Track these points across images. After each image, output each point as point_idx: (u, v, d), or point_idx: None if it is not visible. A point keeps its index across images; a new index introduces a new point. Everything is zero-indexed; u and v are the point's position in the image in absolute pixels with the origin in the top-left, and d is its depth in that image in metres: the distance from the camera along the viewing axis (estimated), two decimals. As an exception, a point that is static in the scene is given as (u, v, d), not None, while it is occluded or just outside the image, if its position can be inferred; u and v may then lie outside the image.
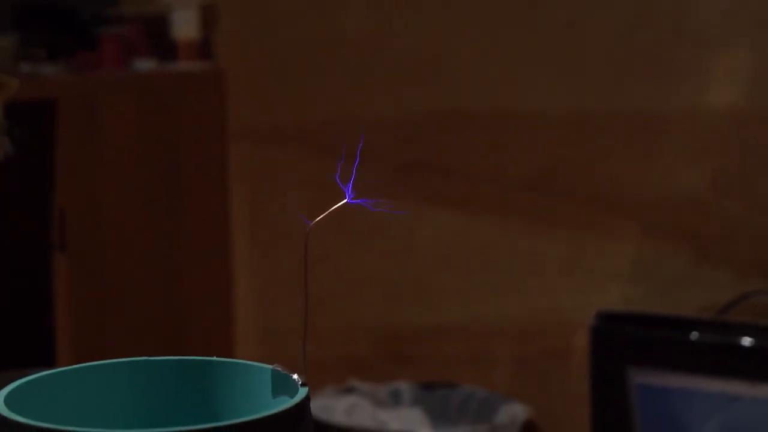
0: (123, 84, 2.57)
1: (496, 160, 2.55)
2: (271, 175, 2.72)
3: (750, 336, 2.10)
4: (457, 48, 2.55)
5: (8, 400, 0.78)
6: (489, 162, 2.55)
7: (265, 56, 2.72)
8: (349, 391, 2.57)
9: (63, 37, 2.59)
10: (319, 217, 0.84)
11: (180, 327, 2.64)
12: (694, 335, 2.15)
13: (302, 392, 0.79)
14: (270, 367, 0.85)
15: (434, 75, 2.57)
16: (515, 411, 2.44)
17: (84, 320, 2.46)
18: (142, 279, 2.56)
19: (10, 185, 2.66)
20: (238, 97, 2.70)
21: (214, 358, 0.88)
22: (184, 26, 2.66)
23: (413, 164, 2.59)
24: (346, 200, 0.84)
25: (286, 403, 0.77)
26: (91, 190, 2.46)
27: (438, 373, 2.62)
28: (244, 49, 2.73)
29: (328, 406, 2.47)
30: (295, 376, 0.82)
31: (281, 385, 0.83)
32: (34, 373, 0.85)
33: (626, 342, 2.21)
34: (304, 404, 0.78)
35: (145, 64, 2.61)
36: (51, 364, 2.35)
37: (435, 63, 2.57)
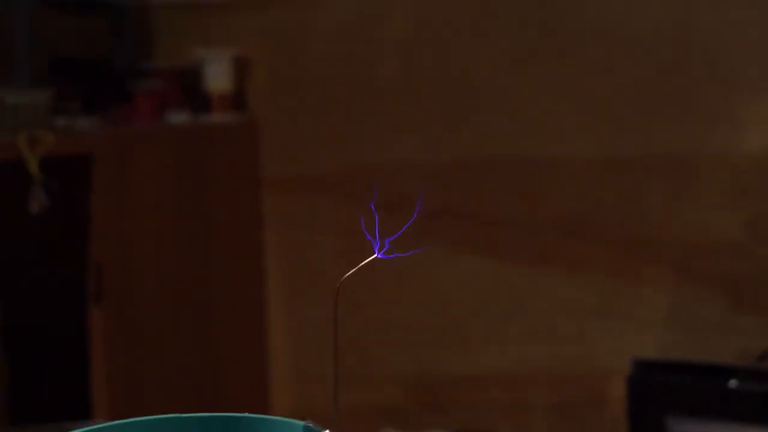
0: (157, 137, 2.59)
1: (528, 205, 2.54)
2: (304, 223, 2.73)
3: (788, 383, 2.08)
4: (487, 92, 2.56)
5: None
6: (521, 207, 2.55)
7: (296, 106, 2.73)
8: (384, 441, 2.55)
9: (97, 91, 2.61)
10: (348, 273, 0.85)
11: (216, 377, 2.64)
12: (733, 383, 2.12)
13: (334, 449, 0.79)
14: (302, 423, 0.85)
15: (464, 120, 2.58)
16: (552, 460, 2.41)
17: (120, 372, 2.46)
18: (178, 329, 2.57)
19: (46, 238, 2.68)
20: (271, 147, 2.71)
21: (246, 414, 0.88)
22: (217, 79, 2.68)
23: (444, 211, 2.59)
24: (375, 255, 0.84)
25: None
26: (126, 242, 2.48)
27: (473, 421, 2.60)
28: (276, 100, 2.75)
29: (363, 457, 2.46)
30: (327, 433, 0.82)
31: (313, 442, 0.83)
32: (70, 427, 0.85)
33: (664, 391, 2.19)
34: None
35: (178, 117, 2.63)
36: (88, 418, 2.35)
37: (465, 108, 2.58)
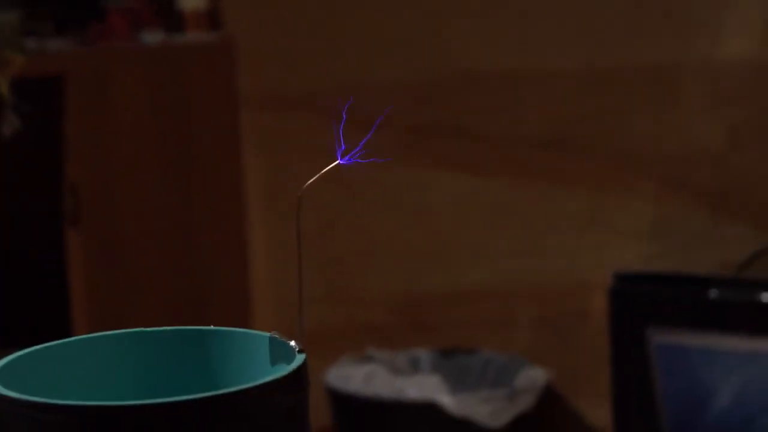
0: (131, 56, 2.56)
1: (510, 120, 2.53)
2: (283, 142, 2.71)
3: (769, 292, 2.09)
4: (465, 8, 2.53)
5: (2, 375, 0.77)
6: (502, 122, 2.53)
7: (273, 24, 2.70)
8: (367, 359, 2.56)
9: (69, 11, 2.58)
10: (310, 181, 0.83)
11: (196, 297, 2.64)
12: (713, 293, 2.13)
13: (299, 359, 0.78)
14: (268, 334, 0.84)
15: (443, 36, 2.55)
16: (535, 375, 2.43)
17: (98, 294, 2.46)
18: (156, 251, 2.56)
19: (20, 161, 2.66)
20: (248, 66, 2.68)
21: (213, 327, 0.87)
22: (191, -4, 2.65)
23: (425, 127, 2.58)
24: (338, 161, 0.83)
25: (283, 370, 0.76)
26: (102, 163, 2.46)
27: (456, 338, 2.61)
28: (252, 18, 2.71)
29: (346, 375, 2.46)
30: (293, 343, 0.81)
31: (280, 353, 0.82)
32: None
33: (645, 302, 2.20)
34: (301, 371, 0.76)
35: (152, 36, 2.59)
36: (66, 338, 2.35)
37: (444, 24, 2.55)
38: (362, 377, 2.44)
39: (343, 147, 0.81)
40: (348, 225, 2.65)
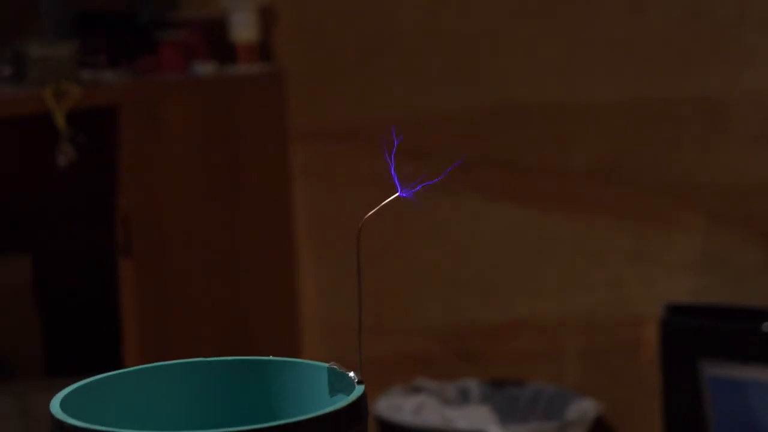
0: (183, 88, 2.58)
1: (559, 152, 2.52)
2: (332, 173, 2.72)
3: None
4: (515, 39, 2.53)
5: (64, 404, 0.77)
6: (550, 154, 2.53)
7: (323, 55, 2.72)
8: (417, 390, 2.56)
9: (123, 43, 2.61)
10: (370, 213, 0.84)
11: (246, 327, 2.65)
12: (766, 326, 2.11)
13: (358, 390, 0.78)
14: (327, 365, 0.84)
15: (492, 68, 2.56)
16: (585, 407, 2.41)
17: (151, 324, 2.47)
18: (207, 281, 2.57)
19: (74, 191, 2.69)
20: (298, 98, 2.70)
21: (271, 357, 0.88)
22: (243, 29, 2.67)
23: (474, 160, 2.58)
24: (398, 194, 0.83)
25: (342, 401, 0.76)
26: (155, 194, 2.48)
27: (506, 369, 2.60)
28: (302, 50, 2.73)
29: (396, 406, 2.46)
30: (352, 374, 0.81)
31: (338, 384, 0.83)
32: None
33: (697, 335, 2.18)
34: (360, 402, 0.77)
35: (204, 68, 2.62)
36: (119, 368, 2.36)
37: (493, 55, 2.55)
38: (412, 408, 2.43)
39: (401, 182, 0.81)
40: (397, 255, 2.66)
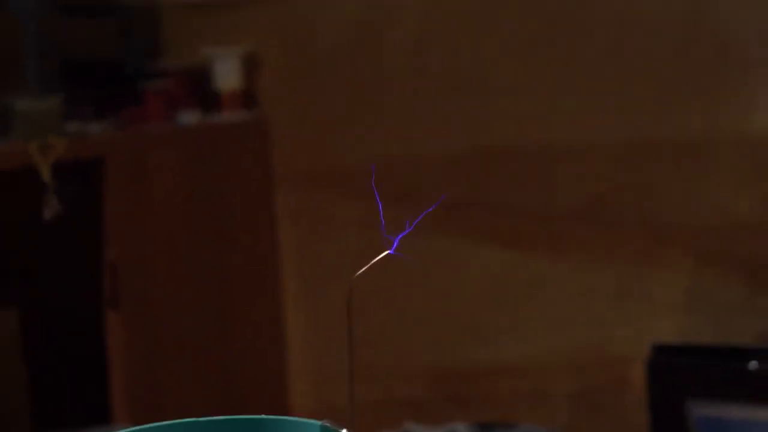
0: (168, 138, 2.59)
1: (543, 193, 2.53)
2: (318, 218, 2.73)
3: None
4: (497, 81, 2.55)
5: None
6: (537, 196, 2.54)
7: (307, 101, 2.73)
8: (406, 434, 2.55)
9: (109, 94, 2.61)
10: (360, 270, 0.84)
11: (234, 377, 2.64)
12: (753, 365, 2.12)
13: (351, 448, 0.79)
14: (319, 423, 0.85)
15: (475, 111, 2.57)
16: (574, 448, 2.41)
17: (139, 376, 2.46)
18: (195, 331, 2.57)
19: (61, 244, 2.69)
20: (283, 144, 2.71)
21: (263, 416, 0.88)
22: (227, 77, 2.68)
23: (459, 202, 2.59)
24: (388, 252, 0.84)
25: (335, 459, 0.77)
26: (142, 245, 2.48)
27: (494, 412, 2.60)
28: (286, 96, 2.75)
29: (386, 451, 2.45)
30: (344, 431, 0.82)
31: (331, 441, 0.83)
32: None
33: (684, 375, 2.19)
34: (353, 461, 0.77)
35: (189, 117, 2.63)
36: (107, 423, 2.36)
37: (475, 98, 2.57)
38: (401, 454, 2.43)
39: (391, 236, 0.82)
40: (384, 299, 2.66)
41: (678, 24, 2.40)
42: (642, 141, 2.45)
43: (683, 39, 2.40)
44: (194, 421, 0.88)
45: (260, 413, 0.89)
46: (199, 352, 2.57)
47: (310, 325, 2.74)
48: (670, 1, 2.41)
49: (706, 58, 2.39)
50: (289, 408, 2.66)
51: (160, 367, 2.50)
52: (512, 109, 2.54)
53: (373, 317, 2.65)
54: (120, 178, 2.42)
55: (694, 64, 2.39)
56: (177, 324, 2.53)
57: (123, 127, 2.54)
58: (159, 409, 2.44)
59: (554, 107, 2.51)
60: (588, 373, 2.51)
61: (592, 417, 2.52)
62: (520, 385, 2.58)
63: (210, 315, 2.60)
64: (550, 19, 2.50)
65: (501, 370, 2.59)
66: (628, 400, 2.45)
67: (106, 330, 2.45)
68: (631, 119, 2.45)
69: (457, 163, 2.59)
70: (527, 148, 2.54)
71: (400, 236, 0.85)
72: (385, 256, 0.83)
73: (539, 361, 2.55)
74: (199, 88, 2.71)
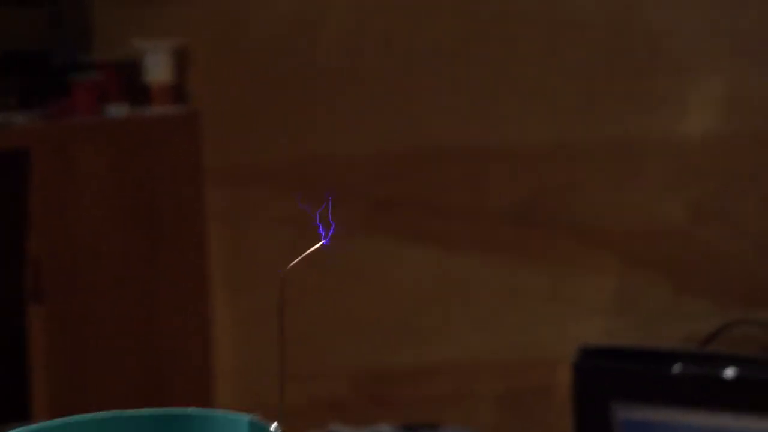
0: (96, 130, 2.56)
1: (474, 194, 2.54)
2: (247, 214, 2.71)
3: (733, 367, 2.09)
4: (430, 81, 2.55)
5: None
6: (466, 197, 2.55)
7: (238, 97, 2.71)
8: (332, 433, 2.54)
9: (35, 85, 2.58)
10: (293, 262, 0.83)
11: (160, 375, 2.61)
12: (677, 368, 2.13)
13: (281, 443, 0.77)
14: (248, 418, 0.84)
15: (408, 110, 2.57)
16: (500, 449, 2.41)
17: (61, 372, 2.43)
18: (120, 326, 2.54)
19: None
20: (213, 139, 2.69)
21: (191, 409, 0.87)
22: (157, 70, 2.66)
23: (389, 201, 2.58)
24: (322, 242, 0.83)
25: (264, 454, 0.76)
26: (67, 238, 2.44)
27: (420, 413, 2.60)
28: (217, 91, 2.72)
29: (311, 450, 2.44)
30: (273, 427, 0.80)
31: (260, 436, 0.82)
32: (7, 429, 0.83)
33: (609, 377, 2.20)
34: (282, 455, 0.76)
35: (118, 110, 2.60)
36: (27, 420, 2.32)
37: (407, 97, 2.57)
38: (327, 453, 2.42)
39: (325, 229, 0.81)
40: (311, 299, 2.65)
41: (609, 27, 2.42)
42: (572, 143, 2.46)
43: (614, 43, 2.42)
44: (118, 415, 0.86)
45: (186, 408, 0.88)
46: (124, 349, 2.54)
47: (238, 323, 2.72)
48: (602, 5, 2.42)
49: (636, 62, 2.41)
50: (215, 406, 2.64)
51: (83, 363, 2.46)
52: (444, 108, 2.55)
53: (300, 316, 2.64)
54: (45, 170, 2.38)
55: (624, 68, 2.41)
56: (101, 320, 2.49)
57: (50, 119, 2.50)
58: (81, 406, 2.40)
59: (486, 108, 2.51)
60: (514, 375, 2.52)
61: (517, 418, 2.53)
62: (446, 387, 2.58)
63: (135, 311, 2.57)
64: (483, 19, 2.51)
65: (427, 370, 2.59)
66: (554, 402, 2.47)
67: (27, 324, 2.41)
68: (561, 121, 2.46)
69: (388, 162, 2.59)
70: (458, 148, 2.54)
71: (332, 229, 0.84)
72: (317, 248, 0.82)
73: (466, 362, 2.56)
74: (128, 82, 2.68)
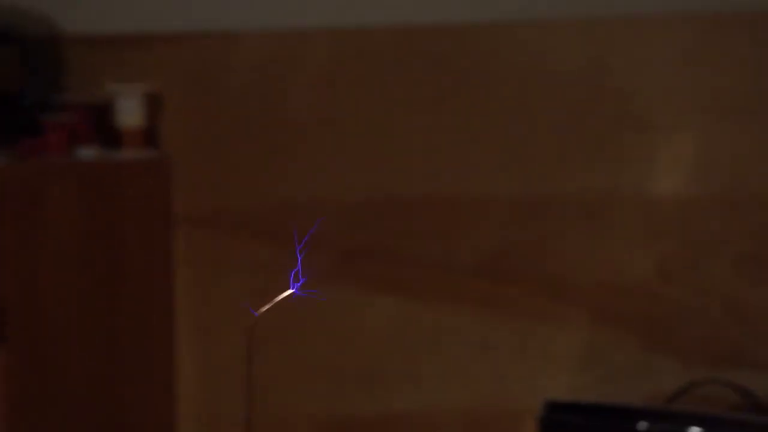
0: (65, 172, 2.54)
1: (443, 245, 2.54)
2: (215, 260, 2.70)
3: (697, 426, 2.09)
4: (402, 131, 2.56)
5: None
6: (436, 247, 2.55)
7: (210, 142, 2.71)
8: (295, 483, 2.52)
9: (6, 124, 2.56)
10: (263, 308, 0.83)
11: (122, 421, 2.59)
12: (642, 426, 2.13)
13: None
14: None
15: (379, 159, 2.57)
16: (464, 503, 2.40)
17: (22, 417, 2.40)
18: (85, 373, 2.51)
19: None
20: (183, 184, 2.68)
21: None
22: (128, 114, 2.65)
23: (358, 250, 2.58)
24: (292, 290, 0.82)
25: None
26: (32, 280, 2.42)
27: (385, 464, 2.58)
28: (188, 136, 2.72)
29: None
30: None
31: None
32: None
33: (575, 432, 2.19)
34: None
35: (88, 152, 2.59)
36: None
37: (380, 146, 2.57)
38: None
39: (294, 278, 0.81)
40: (277, 345, 2.63)
41: (581, 82, 2.44)
42: (543, 197, 2.47)
43: (586, 98, 2.43)
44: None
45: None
46: (87, 394, 2.51)
47: (202, 369, 2.70)
48: (574, 60, 2.44)
49: (608, 118, 2.42)
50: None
51: (45, 408, 2.43)
52: (417, 158, 2.55)
53: (266, 362, 2.62)
54: (13, 211, 2.36)
55: (595, 123, 2.43)
56: (65, 365, 2.47)
57: (19, 159, 2.48)
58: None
59: (457, 159, 2.52)
60: (481, 427, 2.51)
61: (482, 472, 2.51)
62: (412, 438, 2.57)
63: (100, 357, 2.54)
64: (457, 71, 2.52)
65: (394, 420, 2.58)
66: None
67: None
68: (532, 174, 2.47)
69: (359, 211, 2.59)
70: (430, 198, 2.54)
71: (304, 278, 0.84)
72: (287, 296, 0.82)
73: (433, 413, 2.54)
74: (100, 124, 2.67)
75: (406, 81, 2.56)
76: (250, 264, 2.62)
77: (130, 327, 2.60)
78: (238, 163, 2.68)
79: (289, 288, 0.81)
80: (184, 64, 2.73)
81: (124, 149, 2.65)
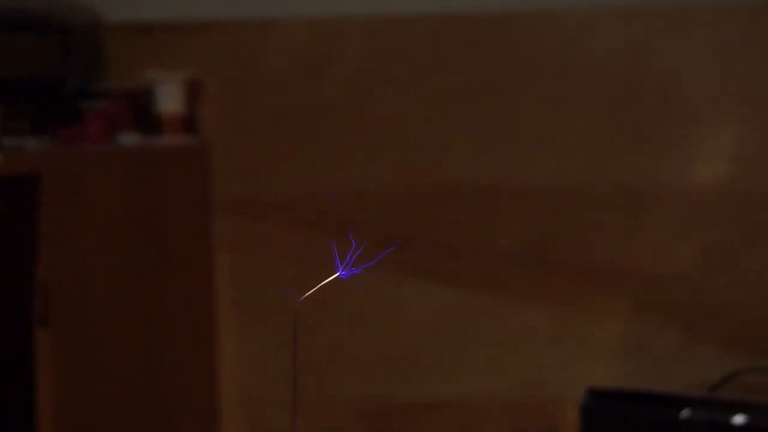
0: (106, 158, 2.56)
1: (485, 233, 2.53)
2: (256, 247, 2.70)
3: (741, 414, 2.08)
4: (441, 121, 2.55)
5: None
6: (477, 236, 2.54)
7: (249, 128, 2.71)
8: (334, 470, 2.53)
9: (47, 111, 2.58)
10: (308, 293, 0.83)
11: (164, 401, 2.60)
12: (685, 413, 2.12)
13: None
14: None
15: (419, 147, 2.57)
16: (503, 490, 2.40)
17: (67, 396, 2.42)
18: (127, 353, 2.53)
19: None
20: (223, 170, 2.69)
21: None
22: (168, 101, 2.65)
23: (400, 238, 2.58)
24: (338, 274, 0.82)
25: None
26: (75, 264, 2.44)
27: (425, 451, 2.58)
28: (228, 122, 2.72)
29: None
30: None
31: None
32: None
33: (617, 420, 2.19)
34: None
35: (128, 139, 2.60)
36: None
37: (419, 134, 2.57)
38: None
39: (340, 263, 0.80)
40: (320, 332, 2.64)
41: (621, 73, 2.42)
42: (584, 187, 2.46)
43: (625, 88, 2.42)
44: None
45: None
46: (130, 375, 2.53)
47: (244, 353, 2.71)
48: (615, 51, 2.43)
49: (649, 108, 2.41)
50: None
51: (89, 389, 2.45)
52: (456, 148, 2.54)
53: (308, 350, 2.63)
54: (55, 196, 2.38)
55: (637, 114, 2.41)
56: (108, 346, 2.48)
57: (61, 145, 2.50)
58: (87, 430, 2.39)
59: (498, 149, 2.51)
60: (521, 414, 2.51)
61: (522, 460, 2.51)
62: (452, 424, 2.57)
63: (142, 338, 2.56)
64: (495, 63, 2.51)
65: (434, 407, 2.58)
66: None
67: (35, 349, 2.40)
68: (573, 165, 2.46)
69: (399, 199, 2.59)
70: (470, 187, 2.54)
71: (349, 262, 0.83)
72: (332, 280, 0.82)
73: (473, 400, 2.54)
74: (140, 111, 2.68)
75: (444, 70, 2.55)
76: (288, 251, 2.62)
77: (171, 310, 2.61)
78: (277, 150, 2.69)
79: (329, 274, 0.81)
80: (223, 51, 2.73)
81: (164, 136, 2.66)
